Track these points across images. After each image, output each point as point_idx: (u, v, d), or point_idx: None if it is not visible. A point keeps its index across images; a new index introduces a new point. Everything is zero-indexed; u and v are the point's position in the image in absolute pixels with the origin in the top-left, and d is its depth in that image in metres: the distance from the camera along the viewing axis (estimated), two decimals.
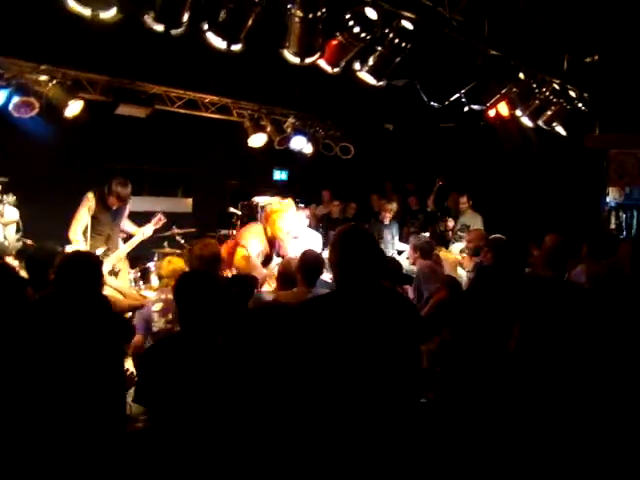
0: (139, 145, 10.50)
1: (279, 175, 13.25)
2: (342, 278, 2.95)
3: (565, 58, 8.62)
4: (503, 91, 7.35)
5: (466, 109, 7.37)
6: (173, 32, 4.98)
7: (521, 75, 7.55)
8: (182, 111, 10.07)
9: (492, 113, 7.72)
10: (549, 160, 10.41)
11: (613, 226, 13.59)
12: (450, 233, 10.45)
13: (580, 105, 9.13)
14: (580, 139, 10.07)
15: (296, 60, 5.54)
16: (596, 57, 8.78)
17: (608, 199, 11.92)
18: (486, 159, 11.16)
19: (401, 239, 10.50)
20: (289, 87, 10.38)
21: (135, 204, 7.60)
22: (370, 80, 6.32)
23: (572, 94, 8.82)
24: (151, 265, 7.70)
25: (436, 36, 6.63)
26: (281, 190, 10.79)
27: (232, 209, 10.04)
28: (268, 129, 10.59)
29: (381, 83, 6.42)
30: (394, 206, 10.57)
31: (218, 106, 10.44)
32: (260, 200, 9.79)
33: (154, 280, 7.35)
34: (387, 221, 10.35)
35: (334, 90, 9.39)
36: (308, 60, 5.59)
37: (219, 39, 5.36)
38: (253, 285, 4.94)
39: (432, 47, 6.64)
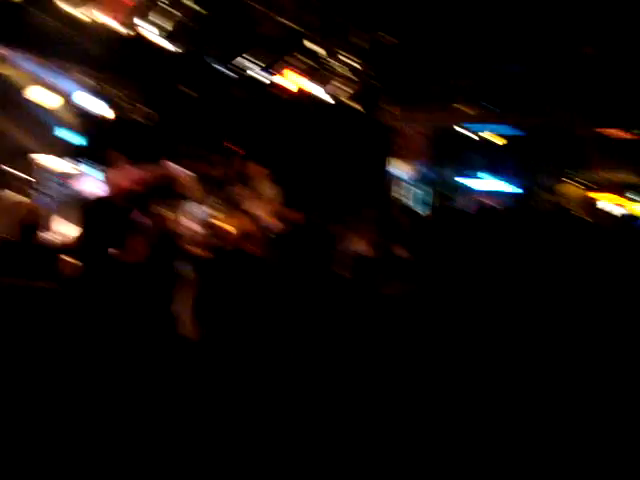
0: None
1: (70, 137, 12.55)
2: None
3: (358, 34, 8.87)
4: (295, 62, 7.42)
5: (255, 77, 7.36)
6: None
7: (311, 47, 7.66)
8: None
9: (281, 83, 7.77)
10: (338, 132, 10.69)
11: (399, 197, 14.39)
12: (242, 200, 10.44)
13: (369, 79, 9.42)
14: (371, 113, 10.44)
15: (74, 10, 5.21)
16: (385, 34, 9.11)
17: (397, 171, 12.56)
18: (278, 128, 11.24)
19: None
20: (81, 43, 9.77)
21: None
22: (164, 43, 6.14)
23: (361, 68, 9.08)
24: None
25: (231, 3, 6.56)
26: (72, 152, 10.19)
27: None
28: (57, 86, 9.92)
29: (175, 48, 6.26)
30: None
31: None
32: None
33: None
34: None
35: (130, 51, 8.98)
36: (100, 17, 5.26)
37: None
38: None
39: (224, 13, 6.56)
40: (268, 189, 10.28)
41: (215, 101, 11.57)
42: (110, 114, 10.80)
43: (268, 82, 7.67)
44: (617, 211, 13.85)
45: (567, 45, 9.66)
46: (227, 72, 6.79)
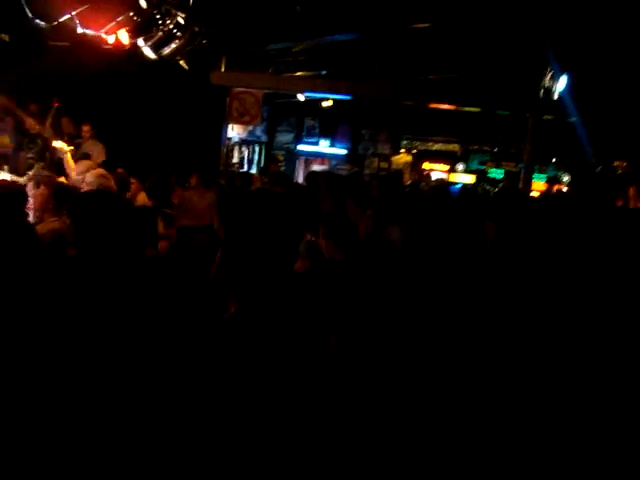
0: None
1: None
2: None
3: None
4: (122, 18, 6.99)
5: (80, 31, 6.84)
6: None
7: (143, 4, 7.25)
8: None
9: (111, 39, 7.30)
10: (173, 93, 10.35)
11: (236, 160, 14.30)
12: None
13: (205, 41, 9.15)
14: (205, 75, 10.18)
15: None
16: None
17: (232, 135, 12.43)
18: (110, 87, 10.68)
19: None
20: None
21: None
22: None
23: (196, 29, 8.78)
24: None
25: None
26: None
27: None
28: None
29: None
30: None
31: None
32: None
33: None
34: None
35: None
36: None
37: None
38: None
39: None
40: (94, 148, 9.80)
41: (39, 58, 10.76)
42: None
43: (97, 39, 7.16)
44: (440, 178, 14.56)
45: (398, 18, 9.86)
46: (46, 26, 6.22)
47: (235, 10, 9.09)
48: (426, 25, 10.00)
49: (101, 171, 5.75)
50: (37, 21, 6.02)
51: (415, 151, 16.82)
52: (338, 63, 11.61)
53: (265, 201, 2.23)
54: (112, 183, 5.61)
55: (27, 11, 5.92)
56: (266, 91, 11.10)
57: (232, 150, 13.63)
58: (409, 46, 10.89)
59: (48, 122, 10.44)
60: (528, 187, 10.68)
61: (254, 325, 2.24)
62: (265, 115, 14.06)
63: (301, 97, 12.75)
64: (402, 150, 16.88)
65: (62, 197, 4.63)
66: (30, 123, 10.77)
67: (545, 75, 10.24)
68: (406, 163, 16.73)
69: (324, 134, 16.67)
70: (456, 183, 14.72)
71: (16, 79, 11.21)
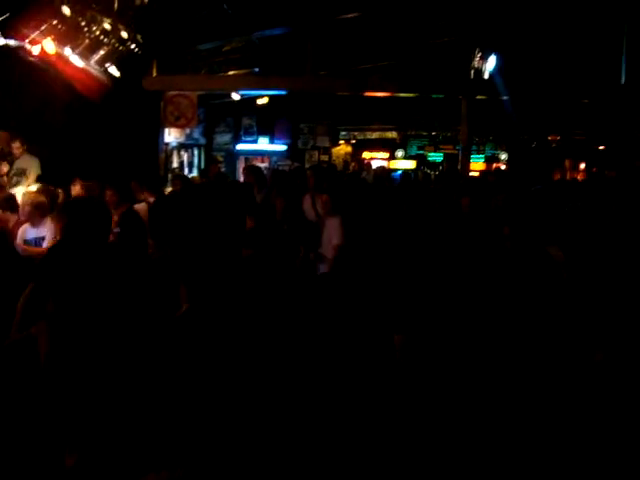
0: None
1: None
2: None
3: None
4: (45, 27, 6.82)
5: (1, 42, 6.65)
6: None
7: (66, 11, 7.09)
8: None
9: (36, 50, 7.12)
10: (106, 101, 10.15)
11: (176, 164, 14.15)
12: (5, 178, 9.60)
13: (133, 46, 9.01)
14: (137, 81, 10.03)
15: None
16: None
17: (169, 139, 12.28)
18: (39, 99, 10.41)
19: None
20: None
21: None
22: None
23: (124, 35, 8.64)
24: None
25: None
26: None
27: None
28: None
29: None
30: None
31: None
32: None
33: None
34: None
35: None
36: None
37: None
38: None
39: None
40: (28, 162, 9.53)
41: None
42: None
43: (20, 49, 6.98)
44: (381, 165, 14.66)
45: (327, 9, 9.91)
46: None
47: (162, 13, 8.99)
48: (355, 15, 10.06)
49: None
50: None
51: (354, 141, 16.89)
52: (270, 59, 11.58)
53: (197, 200, 2.25)
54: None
55: None
56: (200, 92, 10.98)
57: (171, 155, 13.48)
58: (340, 37, 10.94)
59: None
60: (467, 167, 10.82)
61: (207, 319, 2.24)
62: (202, 117, 13.93)
63: (236, 96, 12.67)
64: (341, 141, 16.94)
65: None
66: None
67: (475, 56, 10.40)
68: (346, 154, 16.81)
69: (262, 132, 16.61)
70: (397, 170, 14.83)
71: None
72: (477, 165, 14.92)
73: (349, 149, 16.82)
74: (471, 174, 11.44)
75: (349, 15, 10.05)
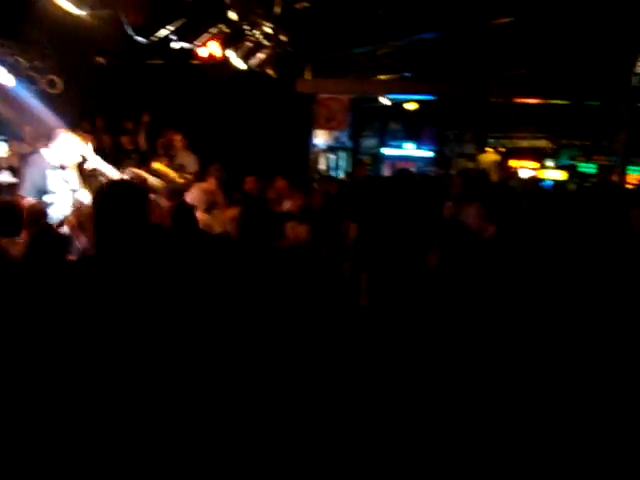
0: None
1: None
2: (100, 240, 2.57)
3: (276, 2, 8.74)
4: (213, 31, 7.26)
5: (175, 47, 7.16)
6: None
7: (232, 16, 7.50)
8: None
9: (203, 52, 7.59)
10: (261, 102, 10.60)
11: (324, 167, 14.47)
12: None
13: (291, 49, 9.37)
14: (291, 83, 10.39)
15: None
16: (306, 4, 9.01)
17: (318, 141, 12.60)
18: (199, 98, 11.05)
19: None
20: None
21: None
22: (70, 8, 5.87)
23: (283, 38, 9.01)
24: None
25: None
26: None
27: None
28: None
29: (83, 12, 5.99)
30: None
31: None
32: None
33: None
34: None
35: (39, 17, 8.58)
36: None
37: None
38: None
39: None
40: (187, 159, 10.14)
41: (134, 72, 11.26)
42: (15, 83, 10.36)
43: (189, 52, 7.48)
44: (531, 175, 14.28)
45: (481, 14, 9.81)
46: (143, 41, 6.54)
47: (319, 17, 9.28)
48: (508, 20, 9.91)
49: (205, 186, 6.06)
50: (137, 38, 6.33)
51: (502, 149, 16.56)
52: (421, 64, 11.61)
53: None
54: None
55: (127, 29, 6.25)
56: (352, 96, 11.21)
57: (318, 157, 13.82)
58: (492, 42, 10.80)
59: (141, 137, 10.90)
60: (623, 180, 10.36)
61: None
62: (350, 120, 14.19)
63: (385, 101, 12.81)
64: (489, 149, 16.66)
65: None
66: (125, 140, 11.27)
67: (638, 61, 9.94)
68: (493, 162, 16.50)
69: (409, 137, 16.66)
70: (546, 180, 14.39)
71: (112, 99, 11.78)
72: (634, 177, 14.21)
73: (497, 157, 16.49)
74: (627, 187, 10.94)
75: (502, 20, 9.92)
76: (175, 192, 5.10)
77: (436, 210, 6.70)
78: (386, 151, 16.80)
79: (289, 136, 10.78)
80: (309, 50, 10.16)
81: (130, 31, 6.32)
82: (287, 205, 7.24)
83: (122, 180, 4.56)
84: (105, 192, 2.64)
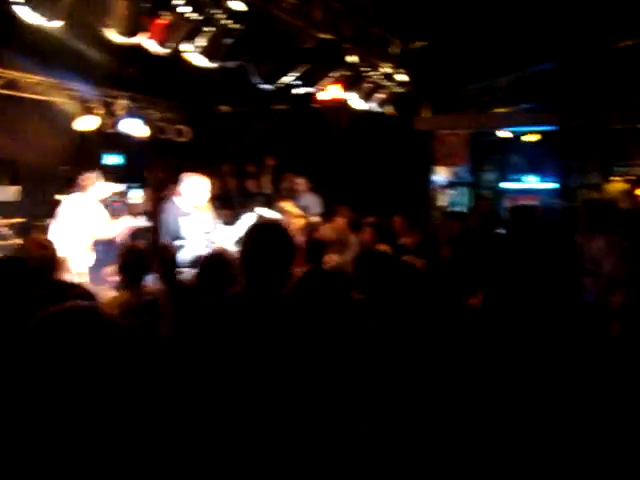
0: None
1: (113, 159, 12.72)
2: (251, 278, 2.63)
3: (394, 43, 8.90)
4: (334, 74, 7.47)
5: (298, 91, 7.42)
6: None
7: (352, 59, 7.71)
8: (3, 92, 9.43)
9: (324, 95, 7.82)
10: (380, 141, 10.74)
11: (444, 203, 14.37)
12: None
13: (408, 88, 9.48)
14: (409, 121, 10.47)
15: (120, 39, 5.33)
16: (423, 43, 9.12)
17: (437, 178, 12.57)
18: (321, 140, 11.33)
19: None
20: (120, 68, 10.01)
21: None
22: (200, 61, 6.21)
23: (401, 78, 9.13)
24: None
25: (268, 18, 6.62)
26: (116, 175, 10.41)
27: (60, 197, 9.48)
28: (98, 111, 10.18)
29: (212, 65, 6.32)
30: None
31: (44, 87, 9.87)
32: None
33: None
34: None
35: (168, 71, 9.16)
36: (132, 40, 5.38)
37: (37, 15, 5.05)
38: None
39: (264, 29, 6.62)
40: (311, 200, 10.37)
41: (258, 117, 11.74)
42: (149, 134, 11.06)
43: (309, 95, 7.72)
44: None
45: (600, 39, 9.57)
46: (268, 88, 6.81)
47: (436, 55, 9.35)
48: (632, 42, 9.60)
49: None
50: (263, 85, 6.61)
51: (631, 177, 15.87)
52: (541, 94, 11.41)
53: None
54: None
55: (253, 77, 6.55)
56: (471, 131, 11.15)
57: (438, 193, 13.76)
58: (613, 66, 10.48)
59: (266, 180, 11.27)
60: None
61: None
62: (470, 155, 14.06)
63: (505, 133, 12.64)
64: (615, 177, 16.01)
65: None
66: (250, 184, 11.68)
67: None
68: (621, 191, 15.83)
69: (530, 169, 16.27)
70: None
71: (237, 145, 12.29)
72: None
73: (625, 186, 15.82)
74: None
75: (625, 43, 9.62)
76: (310, 230, 5.22)
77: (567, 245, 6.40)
78: (505, 185, 16.46)
79: (409, 174, 10.83)
80: (427, 87, 10.23)
81: (256, 80, 6.60)
82: (405, 240, 7.28)
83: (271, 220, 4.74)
84: (258, 231, 2.76)
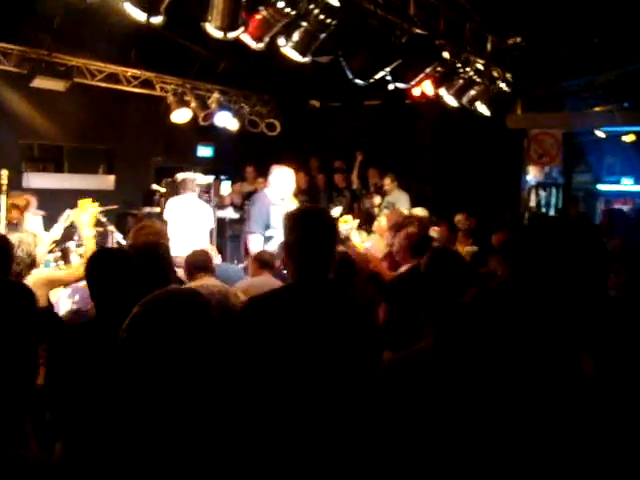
0: (58, 120, 10.10)
1: (203, 151, 13.01)
2: (300, 268, 2.59)
3: (489, 39, 8.75)
4: (427, 70, 7.40)
5: (391, 87, 7.39)
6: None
7: (445, 54, 7.62)
8: (103, 85, 9.80)
9: (416, 92, 7.76)
10: (472, 139, 10.58)
11: (533, 204, 14.02)
12: (376, 210, 10.51)
13: (502, 85, 9.29)
14: (501, 119, 10.27)
15: (219, 34, 5.43)
16: (518, 39, 8.92)
17: (528, 177, 12.28)
18: (411, 136, 11.26)
19: None
20: (214, 62, 10.24)
21: (55, 181, 7.34)
22: (295, 56, 6.27)
23: (495, 74, 8.96)
24: (71, 244, 7.44)
25: (362, 13, 6.62)
26: (206, 166, 10.66)
27: (155, 186, 9.79)
28: (192, 104, 10.43)
29: (306, 59, 6.37)
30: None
31: (140, 80, 10.21)
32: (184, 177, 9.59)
33: (74, 259, 7.13)
34: None
35: (260, 66, 9.31)
36: (231, 35, 5.48)
37: (138, 10, 5.21)
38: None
39: (358, 24, 6.62)
40: (399, 197, 10.33)
41: (348, 113, 11.77)
42: (240, 128, 11.26)
43: (401, 92, 7.68)
44: None
45: None
46: (360, 83, 6.81)
47: (532, 51, 9.14)
48: None
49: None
50: (357, 80, 6.62)
51: None
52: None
53: None
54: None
55: (347, 72, 6.56)
56: (565, 130, 10.83)
57: (528, 193, 13.45)
58: None
59: (354, 175, 11.29)
60: None
61: None
62: (564, 155, 13.68)
63: (600, 133, 12.22)
64: None
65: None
66: (338, 178, 11.73)
67: None
68: None
69: (627, 171, 15.67)
70: None
71: (326, 139, 12.35)
72: None
73: None
74: None
75: None
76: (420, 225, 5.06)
77: None
78: (601, 187, 15.92)
79: (500, 173, 10.63)
80: (520, 85, 10.00)
81: (350, 75, 6.61)
82: (493, 241, 7.14)
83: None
84: (304, 217, 2.74)
